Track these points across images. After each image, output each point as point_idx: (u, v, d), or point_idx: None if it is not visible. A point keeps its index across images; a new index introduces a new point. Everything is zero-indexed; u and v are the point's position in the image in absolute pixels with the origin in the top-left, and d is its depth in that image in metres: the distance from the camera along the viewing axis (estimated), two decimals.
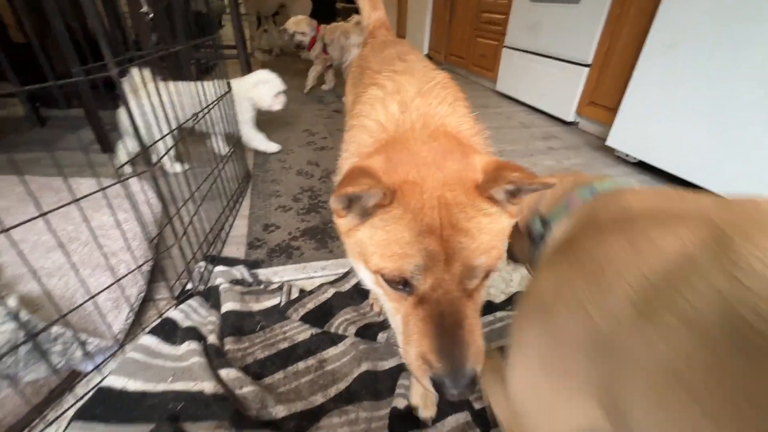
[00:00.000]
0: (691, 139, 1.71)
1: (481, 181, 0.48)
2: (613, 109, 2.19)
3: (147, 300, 1.06)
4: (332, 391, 0.84)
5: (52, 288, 0.89)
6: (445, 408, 0.80)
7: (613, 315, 0.35)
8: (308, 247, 1.35)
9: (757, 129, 1.48)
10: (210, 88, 1.42)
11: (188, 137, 1.31)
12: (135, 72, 1.27)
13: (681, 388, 0.28)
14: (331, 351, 0.94)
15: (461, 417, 0.79)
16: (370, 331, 0.96)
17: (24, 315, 0.71)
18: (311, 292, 1.10)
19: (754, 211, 0.32)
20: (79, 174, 1.21)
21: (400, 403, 0.80)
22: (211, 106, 1.35)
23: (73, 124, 2.33)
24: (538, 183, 0.45)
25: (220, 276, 1.12)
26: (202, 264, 1.15)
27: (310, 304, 1.05)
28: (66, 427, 0.74)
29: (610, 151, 2.24)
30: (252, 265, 1.24)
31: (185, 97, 1.29)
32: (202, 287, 1.10)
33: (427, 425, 0.78)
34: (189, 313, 1.00)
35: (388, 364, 0.91)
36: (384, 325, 0.99)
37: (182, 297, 1.06)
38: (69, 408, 0.79)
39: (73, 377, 0.84)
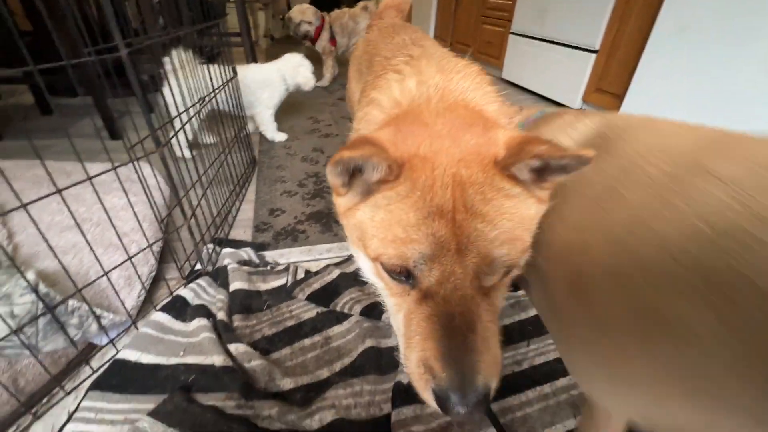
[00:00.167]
0: None
1: (501, 157, 0.41)
2: (619, 96, 2.17)
3: (158, 279, 1.09)
4: (337, 366, 0.87)
5: (67, 265, 0.92)
6: None
7: None
8: (313, 230, 1.37)
9: (761, 121, 1.46)
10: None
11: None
12: (175, 53, 1.31)
13: None
14: (336, 329, 0.96)
15: None
16: (375, 310, 0.99)
17: (42, 288, 0.74)
18: (317, 272, 1.12)
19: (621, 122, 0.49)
20: (89, 160, 1.23)
21: (404, 379, 0.82)
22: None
23: (80, 111, 2.36)
24: (569, 156, 0.37)
25: (227, 257, 1.15)
26: (210, 246, 1.18)
27: (316, 284, 1.07)
28: (83, 396, 0.77)
29: None
30: (259, 247, 1.26)
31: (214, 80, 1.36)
32: (210, 268, 1.13)
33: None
34: (198, 292, 1.03)
35: (391, 341, 0.93)
36: None
37: (191, 277, 1.09)
38: (86, 379, 0.82)
39: (88, 350, 0.88)
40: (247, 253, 1.20)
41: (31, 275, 0.73)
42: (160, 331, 0.91)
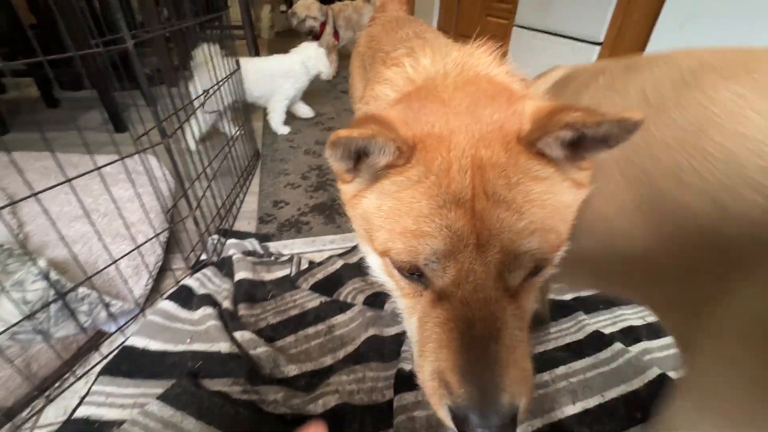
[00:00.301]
0: None
1: (527, 131, 0.35)
2: None
3: (164, 269, 1.11)
4: (341, 354, 0.89)
5: (76, 254, 0.94)
6: None
7: None
8: (317, 222, 1.38)
9: None
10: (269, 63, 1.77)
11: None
12: (204, 46, 1.37)
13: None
14: (340, 318, 0.98)
15: None
16: (378, 300, 1.00)
17: (53, 275, 0.76)
18: (320, 263, 1.14)
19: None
20: (94, 152, 1.25)
21: (406, 366, 0.84)
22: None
23: (85, 104, 2.37)
24: (609, 121, 0.29)
25: (232, 248, 1.16)
26: (215, 237, 1.20)
27: (320, 275, 1.09)
28: (94, 381, 0.80)
29: None
30: (263, 238, 1.28)
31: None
32: (215, 258, 1.15)
33: None
34: (204, 281, 1.05)
35: (393, 330, 0.95)
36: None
37: (197, 267, 1.11)
38: (96, 364, 0.85)
39: (98, 337, 0.90)
40: (251, 243, 1.21)
41: (42, 263, 0.75)
42: (167, 319, 0.93)
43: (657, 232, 0.36)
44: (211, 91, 1.30)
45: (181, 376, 0.79)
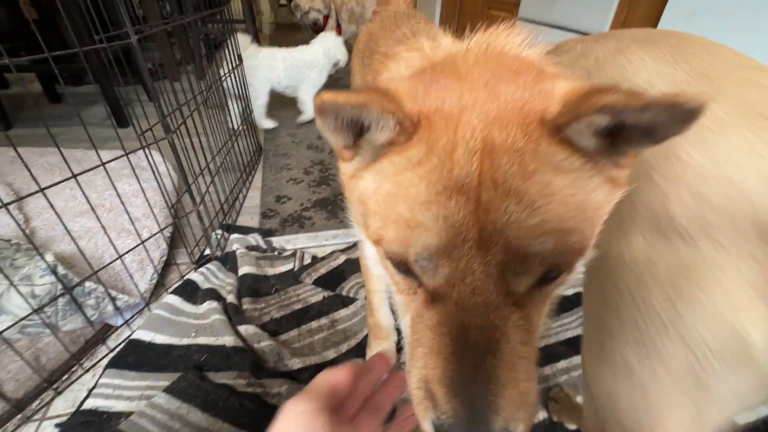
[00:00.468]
0: None
1: (554, 114, 0.29)
2: None
3: (168, 264, 1.12)
4: (344, 347, 0.90)
5: (82, 249, 0.95)
6: None
7: None
8: (319, 217, 1.39)
9: None
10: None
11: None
12: (239, 37, 1.46)
13: None
14: (342, 312, 0.99)
15: None
16: None
17: (61, 270, 0.77)
18: (323, 258, 1.14)
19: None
20: (97, 147, 1.26)
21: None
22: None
23: (87, 99, 2.38)
24: (657, 106, 0.23)
25: (236, 243, 1.17)
26: (219, 232, 1.21)
27: (323, 269, 1.10)
28: (102, 374, 0.81)
29: None
30: (266, 233, 1.29)
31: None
32: (219, 253, 1.16)
33: None
34: (208, 276, 1.06)
35: (396, 324, 0.96)
36: None
37: (201, 262, 1.12)
38: (103, 357, 0.86)
39: (105, 330, 0.91)
40: (254, 238, 1.22)
41: (49, 257, 0.76)
42: (173, 313, 0.94)
43: None
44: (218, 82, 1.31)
45: (186, 369, 0.81)
